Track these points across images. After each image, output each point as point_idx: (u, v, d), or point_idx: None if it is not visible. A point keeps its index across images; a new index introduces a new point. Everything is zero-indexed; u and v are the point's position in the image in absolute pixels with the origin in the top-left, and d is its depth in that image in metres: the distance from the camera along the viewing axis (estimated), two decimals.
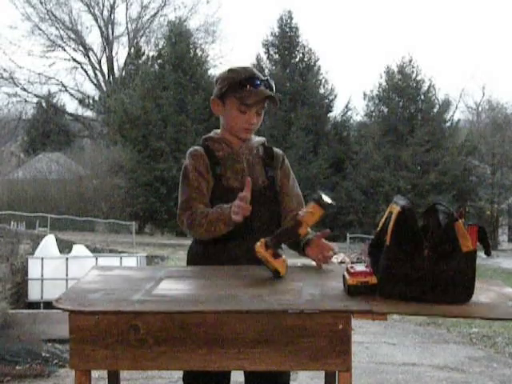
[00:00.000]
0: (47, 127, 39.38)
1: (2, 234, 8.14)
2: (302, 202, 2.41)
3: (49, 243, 9.20)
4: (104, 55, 41.40)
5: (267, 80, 2.33)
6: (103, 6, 41.20)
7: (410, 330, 7.48)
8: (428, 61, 72.48)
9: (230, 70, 2.37)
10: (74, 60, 41.41)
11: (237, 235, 2.25)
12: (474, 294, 1.80)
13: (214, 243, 2.27)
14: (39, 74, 41.12)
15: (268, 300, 1.77)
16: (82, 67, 41.44)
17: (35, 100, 41.42)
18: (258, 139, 2.44)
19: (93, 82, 41.55)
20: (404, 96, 33.41)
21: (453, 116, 36.05)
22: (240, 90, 2.29)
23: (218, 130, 2.45)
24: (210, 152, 2.36)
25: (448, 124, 34.78)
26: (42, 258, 8.73)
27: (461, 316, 1.81)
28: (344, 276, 1.88)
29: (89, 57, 41.36)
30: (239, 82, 2.29)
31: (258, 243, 2.00)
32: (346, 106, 35.27)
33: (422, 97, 33.76)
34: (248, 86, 2.28)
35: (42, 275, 8.66)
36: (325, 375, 2.26)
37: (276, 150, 2.46)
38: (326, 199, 2.03)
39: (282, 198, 2.38)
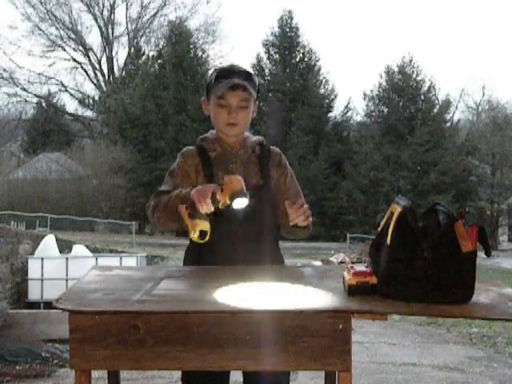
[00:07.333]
0: (47, 127, 39.36)
1: (2, 234, 8.14)
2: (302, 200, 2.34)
3: (49, 243, 9.19)
4: (104, 55, 41.40)
5: (243, 72, 2.30)
6: (103, 6, 41.21)
7: (410, 330, 7.47)
8: (428, 61, 72.60)
9: (213, 69, 2.40)
10: (74, 60, 41.43)
11: (232, 237, 2.24)
12: (474, 294, 1.80)
13: (209, 246, 2.19)
14: (39, 74, 41.10)
15: (268, 300, 1.77)
16: (82, 67, 41.46)
17: (35, 100, 41.45)
18: (255, 138, 2.40)
19: (93, 82, 41.57)
20: (404, 96, 33.42)
21: (453, 116, 36.13)
22: (215, 85, 2.30)
23: (215, 131, 2.43)
24: (203, 152, 2.34)
25: (448, 124, 34.80)
26: (42, 258, 8.72)
27: (461, 316, 1.81)
28: (344, 276, 1.89)
29: (89, 57, 41.37)
30: (215, 77, 2.31)
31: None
32: (346, 106, 35.36)
33: (422, 97, 33.78)
34: (220, 79, 2.29)
35: (42, 275, 8.65)
36: (325, 375, 2.26)
37: (273, 148, 2.42)
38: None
39: (280, 197, 2.31)
